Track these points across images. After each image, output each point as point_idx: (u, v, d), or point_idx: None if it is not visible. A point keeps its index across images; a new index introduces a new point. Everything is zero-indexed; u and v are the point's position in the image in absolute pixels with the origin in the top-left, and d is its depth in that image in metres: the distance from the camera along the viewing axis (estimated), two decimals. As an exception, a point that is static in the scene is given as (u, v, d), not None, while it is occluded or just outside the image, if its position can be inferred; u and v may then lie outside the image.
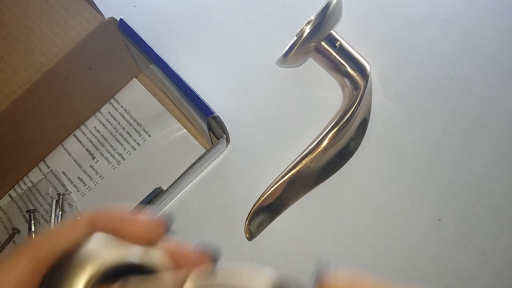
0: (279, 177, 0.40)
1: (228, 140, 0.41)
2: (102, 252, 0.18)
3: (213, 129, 0.38)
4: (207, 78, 0.44)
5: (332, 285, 0.18)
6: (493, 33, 0.45)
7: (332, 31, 0.40)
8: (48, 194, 0.41)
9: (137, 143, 0.42)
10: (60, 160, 0.42)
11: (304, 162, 0.40)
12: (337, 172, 0.41)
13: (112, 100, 0.43)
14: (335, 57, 0.41)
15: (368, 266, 0.39)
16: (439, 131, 0.42)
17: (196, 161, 0.37)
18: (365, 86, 0.40)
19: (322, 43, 0.40)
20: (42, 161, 0.42)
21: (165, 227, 0.20)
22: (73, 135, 0.43)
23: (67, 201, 0.41)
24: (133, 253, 0.19)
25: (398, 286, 0.18)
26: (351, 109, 0.40)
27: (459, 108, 0.43)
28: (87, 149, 0.42)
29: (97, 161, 0.42)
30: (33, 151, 0.41)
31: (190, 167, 0.37)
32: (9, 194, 0.42)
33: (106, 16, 0.34)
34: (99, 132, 0.43)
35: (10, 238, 0.40)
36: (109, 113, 0.43)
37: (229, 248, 0.40)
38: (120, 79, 0.43)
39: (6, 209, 0.41)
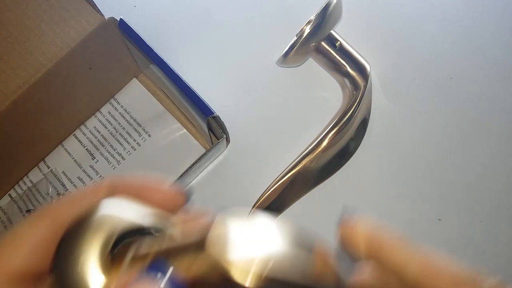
0: (279, 177, 0.40)
1: (228, 140, 0.41)
2: (119, 215, 0.18)
3: (213, 129, 0.38)
4: (207, 78, 0.44)
5: (356, 228, 0.19)
6: (493, 33, 0.45)
7: (332, 31, 0.40)
8: (48, 194, 0.41)
9: (137, 143, 0.42)
10: (60, 160, 0.42)
11: (304, 162, 0.40)
12: (337, 172, 0.41)
13: (112, 100, 0.43)
14: (335, 57, 0.41)
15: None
16: (439, 131, 0.42)
17: (196, 161, 0.37)
18: (365, 86, 0.40)
19: (322, 43, 0.40)
20: (42, 161, 0.42)
21: (185, 197, 0.20)
22: (73, 135, 0.43)
23: (67, 201, 0.41)
24: (151, 217, 0.19)
25: (418, 245, 0.18)
26: (351, 109, 0.40)
27: (459, 108, 0.43)
28: (87, 149, 0.42)
29: (97, 161, 0.42)
30: (33, 151, 0.41)
31: (190, 167, 0.36)
32: (9, 194, 0.42)
33: (106, 16, 0.34)
34: (99, 132, 0.43)
35: (10, 238, 0.40)
36: (109, 113, 0.43)
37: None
38: (120, 79, 0.43)
39: (6, 209, 0.41)
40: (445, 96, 0.43)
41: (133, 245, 0.18)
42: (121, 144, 0.42)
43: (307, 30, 0.38)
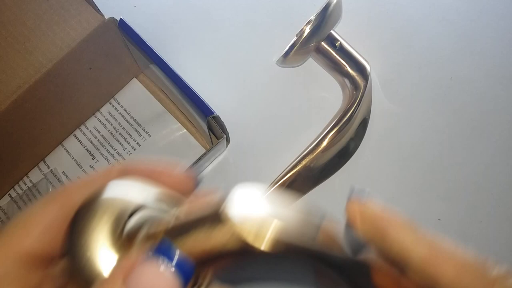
0: (279, 177, 0.40)
1: (228, 140, 0.41)
2: (130, 195, 0.18)
3: (213, 129, 0.38)
4: (207, 78, 0.44)
5: (364, 207, 0.19)
6: (493, 33, 0.45)
7: (332, 31, 0.40)
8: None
9: (137, 143, 0.42)
10: (60, 160, 0.42)
11: (304, 162, 0.40)
12: (337, 172, 0.41)
13: (112, 100, 0.43)
14: (335, 57, 0.41)
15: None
16: (439, 131, 0.42)
17: (196, 161, 0.37)
18: (365, 86, 0.40)
19: (322, 43, 0.40)
20: (42, 161, 0.42)
21: (195, 182, 0.21)
22: (73, 135, 0.43)
23: (67, 201, 0.41)
24: (162, 198, 0.19)
25: (425, 229, 0.18)
26: (351, 109, 0.40)
27: (459, 108, 0.43)
28: (87, 149, 0.42)
29: (97, 161, 0.42)
30: (33, 151, 0.41)
31: (190, 167, 0.37)
32: (9, 194, 0.42)
33: (106, 16, 0.34)
34: (99, 132, 0.43)
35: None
36: (109, 113, 0.43)
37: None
38: (120, 79, 0.43)
39: (6, 209, 0.41)
40: (445, 96, 0.43)
41: (144, 224, 0.18)
42: (121, 144, 0.42)
43: (307, 30, 0.38)
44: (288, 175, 0.40)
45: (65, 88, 0.36)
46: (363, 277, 0.18)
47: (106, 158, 0.42)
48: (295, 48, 0.38)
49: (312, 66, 0.44)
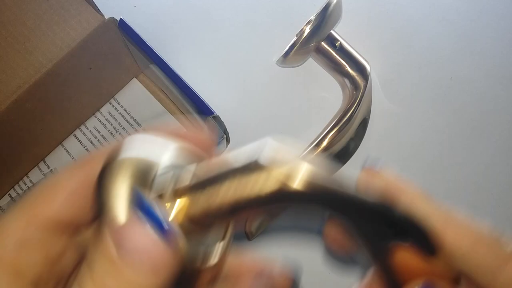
0: None
1: (228, 140, 0.41)
2: (153, 151, 0.18)
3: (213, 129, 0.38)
4: (207, 78, 0.44)
5: (380, 175, 0.19)
6: (493, 33, 0.45)
7: (332, 31, 0.40)
8: (48, 194, 0.41)
9: (137, 143, 0.42)
10: (60, 160, 0.42)
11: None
12: (336, 172, 0.41)
13: (112, 100, 0.43)
14: (335, 57, 0.41)
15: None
16: (439, 131, 0.42)
17: (196, 161, 0.37)
18: (365, 86, 0.40)
19: (322, 43, 0.40)
20: (42, 161, 0.42)
21: (215, 139, 0.21)
22: (73, 135, 0.43)
23: (67, 201, 0.41)
24: (187, 153, 0.19)
25: (439, 201, 0.18)
26: (351, 109, 0.40)
27: (459, 108, 0.43)
28: (87, 149, 0.42)
29: (97, 161, 0.42)
30: (33, 151, 0.41)
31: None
32: (9, 194, 0.42)
33: (106, 16, 0.34)
34: (99, 132, 0.43)
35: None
36: (109, 113, 0.43)
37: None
38: (120, 79, 0.43)
39: (6, 209, 0.41)
40: (445, 96, 0.43)
41: (171, 180, 0.18)
42: (121, 144, 0.42)
43: (307, 30, 0.38)
44: None
45: (65, 88, 0.36)
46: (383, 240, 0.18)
47: (106, 158, 0.42)
48: (295, 48, 0.38)
49: (312, 66, 0.44)
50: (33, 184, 0.41)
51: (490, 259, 0.17)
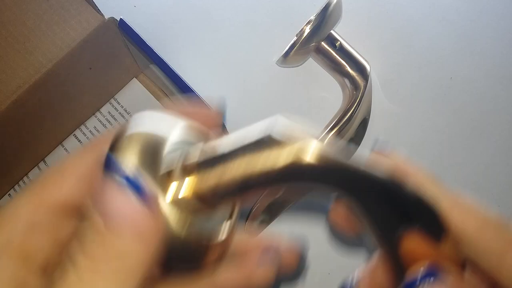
0: None
1: (228, 140, 0.41)
2: (161, 128, 0.18)
3: (213, 129, 0.38)
4: (207, 78, 0.44)
5: (389, 157, 0.19)
6: (493, 33, 0.45)
7: (332, 31, 0.40)
8: (48, 194, 0.41)
9: (137, 143, 0.42)
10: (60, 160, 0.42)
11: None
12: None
13: (112, 100, 0.43)
14: (335, 57, 0.41)
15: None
16: (439, 131, 0.42)
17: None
18: (365, 86, 0.40)
19: (322, 43, 0.40)
20: (42, 161, 0.42)
21: (221, 117, 0.22)
22: (73, 135, 0.43)
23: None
24: (195, 130, 0.19)
25: (450, 186, 0.18)
26: (351, 109, 0.40)
27: (459, 108, 0.43)
28: (87, 149, 0.42)
29: (97, 161, 0.42)
30: (33, 151, 0.41)
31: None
32: (9, 194, 0.42)
33: (106, 16, 0.34)
34: (99, 132, 0.43)
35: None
36: (109, 113, 0.43)
37: (229, 248, 0.40)
38: (120, 79, 0.43)
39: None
40: (445, 96, 0.43)
41: (180, 157, 0.18)
42: (121, 144, 0.42)
43: (307, 30, 0.38)
44: None
45: (65, 88, 0.36)
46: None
47: (106, 158, 0.42)
48: (295, 48, 0.38)
49: (312, 66, 0.44)
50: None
51: (496, 243, 0.17)
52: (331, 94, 0.43)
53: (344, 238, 0.40)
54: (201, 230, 0.18)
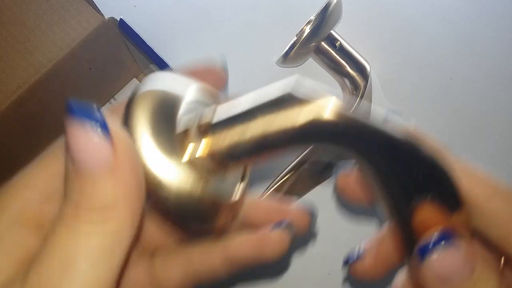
0: (279, 178, 0.40)
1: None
2: (175, 88, 0.18)
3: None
4: (207, 78, 0.44)
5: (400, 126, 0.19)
6: (493, 33, 0.45)
7: (332, 31, 0.40)
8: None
9: (137, 143, 0.42)
10: (60, 160, 0.42)
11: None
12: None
13: (112, 100, 0.43)
14: (335, 57, 0.41)
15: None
16: (439, 131, 0.42)
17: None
18: (365, 86, 0.40)
19: (322, 43, 0.40)
20: (42, 161, 0.42)
21: (226, 77, 0.22)
22: (73, 135, 0.43)
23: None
24: (205, 91, 0.20)
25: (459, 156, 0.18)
26: (351, 109, 0.40)
27: (459, 108, 0.43)
28: (87, 149, 0.42)
29: (97, 161, 0.42)
30: (33, 151, 0.41)
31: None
32: (9, 194, 0.42)
33: (106, 16, 0.34)
34: (99, 132, 0.43)
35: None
36: (109, 113, 0.43)
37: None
38: (120, 79, 0.43)
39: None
40: (445, 96, 0.43)
41: (195, 118, 0.18)
42: (121, 144, 0.42)
43: (307, 30, 0.38)
44: (288, 175, 0.40)
45: (65, 88, 0.36)
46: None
47: (106, 158, 0.42)
48: (295, 48, 0.38)
49: (312, 66, 0.44)
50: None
51: (506, 212, 0.17)
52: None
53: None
54: (216, 191, 0.18)
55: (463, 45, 0.44)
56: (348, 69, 0.41)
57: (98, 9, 0.34)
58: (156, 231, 0.22)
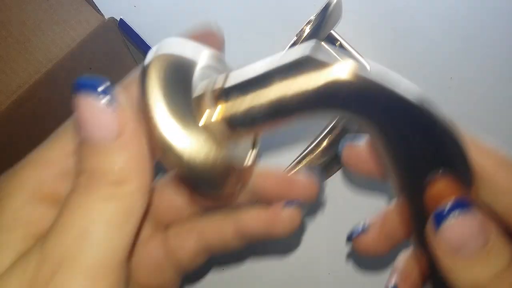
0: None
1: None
2: (188, 53, 0.18)
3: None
4: (207, 78, 0.44)
5: None
6: (494, 33, 0.45)
7: (332, 31, 0.40)
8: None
9: (137, 143, 0.42)
10: (60, 160, 0.42)
11: (304, 162, 0.39)
12: (336, 173, 0.41)
13: (112, 100, 0.43)
14: (335, 57, 0.40)
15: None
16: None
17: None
18: (365, 86, 0.40)
19: (322, 43, 0.40)
20: (42, 161, 0.42)
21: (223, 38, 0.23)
22: (73, 135, 0.43)
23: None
24: (216, 55, 0.20)
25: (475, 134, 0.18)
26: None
27: (459, 109, 0.43)
28: (87, 149, 0.42)
29: (97, 161, 0.42)
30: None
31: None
32: (9, 194, 0.42)
33: (106, 16, 0.34)
34: (99, 132, 0.43)
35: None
36: (109, 113, 0.43)
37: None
38: (120, 79, 0.43)
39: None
40: (445, 96, 0.43)
41: (209, 83, 0.18)
42: (121, 144, 0.42)
43: (307, 30, 0.38)
44: (288, 175, 0.39)
45: (65, 88, 0.36)
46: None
47: (106, 158, 0.42)
48: (295, 48, 0.38)
49: (312, 66, 0.44)
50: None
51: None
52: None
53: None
54: (229, 156, 0.18)
55: (463, 45, 0.44)
56: (348, 69, 0.40)
57: (98, 9, 0.34)
58: (169, 206, 0.23)
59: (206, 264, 0.24)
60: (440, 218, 0.16)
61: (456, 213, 0.15)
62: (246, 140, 0.21)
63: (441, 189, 0.16)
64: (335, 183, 0.41)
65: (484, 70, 0.44)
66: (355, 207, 0.40)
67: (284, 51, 0.18)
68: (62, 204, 0.16)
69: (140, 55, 0.38)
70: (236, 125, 0.17)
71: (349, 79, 0.16)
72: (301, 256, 0.39)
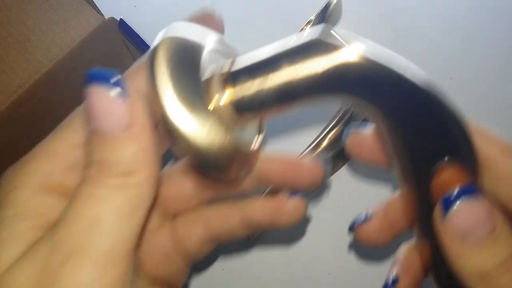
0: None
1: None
2: (196, 36, 0.19)
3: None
4: (207, 78, 0.44)
5: None
6: (494, 33, 0.45)
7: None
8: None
9: (137, 143, 0.42)
10: (60, 160, 0.42)
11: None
12: (336, 173, 0.41)
13: (112, 100, 0.43)
14: (335, 57, 0.40)
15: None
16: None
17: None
18: (365, 86, 0.40)
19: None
20: (42, 161, 0.42)
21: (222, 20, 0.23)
22: (73, 135, 0.43)
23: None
24: (219, 40, 0.20)
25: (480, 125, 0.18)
26: (351, 109, 0.40)
27: (459, 109, 0.43)
28: (87, 149, 0.42)
29: (97, 161, 0.42)
30: (33, 151, 0.41)
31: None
32: (9, 194, 0.42)
33: (106, 16, 0.34)
34: (99, 132, 0.43)
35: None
36: (109, 113, 0.43)
37: (229, 248, 0.40)
38: (120, 79, 0.43)
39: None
40: (445, 96, 0.43)
41: (217, 67, 0.18)
42: (121, 144, 0.42)
43: (307, 30, 0.38)
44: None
45: (65, 88, 0.36)
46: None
47: (106, 158, 0.42)
48: (295, 48, 0.38)
49: (312, 66, 0.44)
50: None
51: None
52: (331, 94, 0.43)
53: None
54: (235, 140, 0.18)
55: (463, 45, 0.44)
56: (348, 69, 0.40)
57: (98, 9, 0.34)
58: (177, 196, 0.23)
59: (212, 254, 0.24)
60: (448, 204, 0.16)
61: (463, 199, 0.15)
62: (252, 125, 0.21)
63: (449, 176, 0.17)
64: (340, 178, 0.41)
65: (484, 70, 0.44)
66: (359, 200, 0.40)
67: (291, 36, 0.18)
68: (71, 195, 0.16)
69: (140, 55, 0.38)
70: (244, 109, 0.17)
71: (358, 61, 0.16)
72: (301, 256, 0.40)
